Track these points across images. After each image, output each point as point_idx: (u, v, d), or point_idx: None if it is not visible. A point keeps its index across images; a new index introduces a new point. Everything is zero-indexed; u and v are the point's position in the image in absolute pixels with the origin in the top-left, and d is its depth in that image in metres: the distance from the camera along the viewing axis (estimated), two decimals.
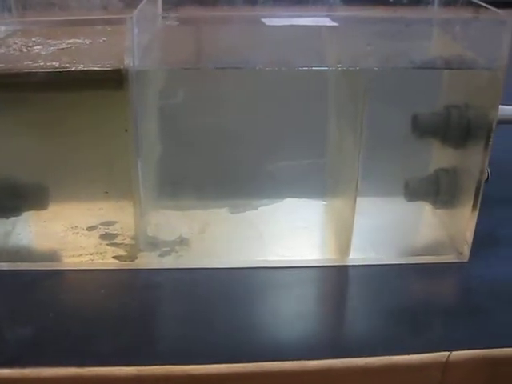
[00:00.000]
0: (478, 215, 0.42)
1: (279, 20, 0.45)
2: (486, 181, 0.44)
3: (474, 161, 0.41)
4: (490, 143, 0.40)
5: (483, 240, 0.45)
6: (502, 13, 0.38)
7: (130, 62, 0.36)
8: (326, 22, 0.46)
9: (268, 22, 0.43)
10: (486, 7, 0.40)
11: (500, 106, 0.43)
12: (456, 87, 0.43)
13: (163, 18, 0.48)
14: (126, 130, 0.38)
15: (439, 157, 0.45)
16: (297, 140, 0.46)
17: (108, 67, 0.38)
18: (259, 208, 0.48)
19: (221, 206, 0.48)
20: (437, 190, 0.44)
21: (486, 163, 0.41)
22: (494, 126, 0.39)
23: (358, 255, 0.43)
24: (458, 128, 0.42)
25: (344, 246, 0.43)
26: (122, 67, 0.37)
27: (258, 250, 0.45)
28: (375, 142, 0.43)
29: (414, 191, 0.45)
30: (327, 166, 0.46)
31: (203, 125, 0.45)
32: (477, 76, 0.40)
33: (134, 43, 0.36)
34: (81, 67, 0.38)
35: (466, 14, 0.43)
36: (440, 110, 0.42)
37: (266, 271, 0.42)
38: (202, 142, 0.45)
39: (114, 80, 0.37)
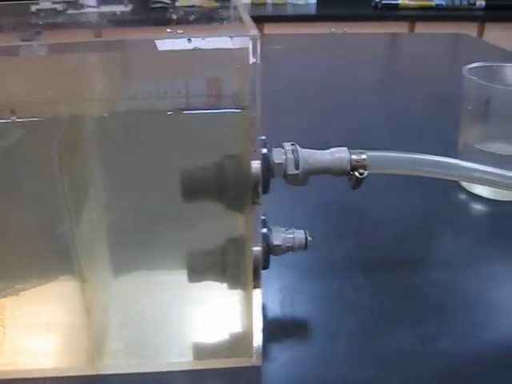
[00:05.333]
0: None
1: None
2: (305, 247, 0.35)
3: (249, 228, 0.31)
4: (258, 202, 0.30)
5: (295, 329, 0.34)
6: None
7: None
8: None
9: None
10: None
11: (309, 152, 0.34)
12: (225, 133, 0.33)
13: None
14: None
15: (226, 223, 0.34)
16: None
17: None
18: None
19: None
20: (223, 266, 0.33)
21: (258, 230, 0.30)
22: (254, 179, 0.29)
23: (115, 360, 0.32)
24: (233, 185, 0.32)
25: (92, 348, 0.32)
26: None
27: None
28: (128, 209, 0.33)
29: (195, 268, 0.34)
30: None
31: None
32: (235, 118, 0.31)
33: None
34: None
35: None
36: (213, 162, 0.32)
37: None
38: None
39: None
